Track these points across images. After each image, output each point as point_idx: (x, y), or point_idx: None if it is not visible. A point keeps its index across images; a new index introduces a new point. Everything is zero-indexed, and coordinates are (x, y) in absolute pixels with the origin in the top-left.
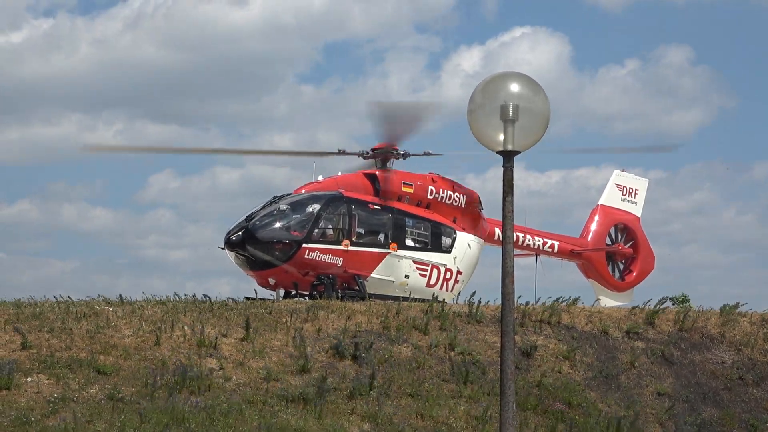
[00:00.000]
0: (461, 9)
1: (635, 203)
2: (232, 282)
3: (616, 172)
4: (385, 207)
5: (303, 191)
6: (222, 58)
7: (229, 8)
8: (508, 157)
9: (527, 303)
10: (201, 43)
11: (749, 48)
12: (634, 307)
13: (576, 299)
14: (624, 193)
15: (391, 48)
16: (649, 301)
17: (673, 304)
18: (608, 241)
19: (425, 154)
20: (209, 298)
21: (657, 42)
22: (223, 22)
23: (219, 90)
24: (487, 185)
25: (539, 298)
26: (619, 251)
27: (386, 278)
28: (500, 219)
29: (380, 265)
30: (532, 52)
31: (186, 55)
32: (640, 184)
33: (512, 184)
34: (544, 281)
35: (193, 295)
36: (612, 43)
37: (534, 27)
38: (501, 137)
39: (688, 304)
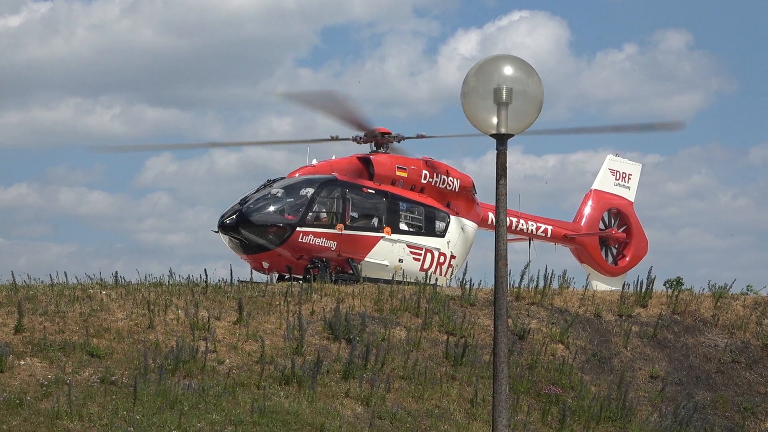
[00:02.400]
0: None
1: (629, 188)
2: (228, 266)
3: (609, 156)
4: (379, 191)
5: (297, 175)
6: (220, 42)
7: None
8: (501, 140)
9: (523, 271)
10: (199, 28)
11: (749, 33)
12: (624, 285)
13: (564, 272)
14: (617, 177)
15: (389, 32)
16: (641, 282)
17: (669, 288)
18: (601, 226)
19: (419, 137)
20: (206, 273)
21: (655, 27)
22: (221, 6)
23: (218, 74)
24: (484, 169)
25: (532, 275)
26: (613, 236)
27: (380, 262)
28: (494, 203)
29: (374, 249)
30: (530, 36)
31: (184, 40)
32: (633, 168)
33: (505, 167)
34: (537, 266)
35: (188, 276)
36: (610, 28)
37: (532, 11)
38: (494, 120)
39: (682, 286)
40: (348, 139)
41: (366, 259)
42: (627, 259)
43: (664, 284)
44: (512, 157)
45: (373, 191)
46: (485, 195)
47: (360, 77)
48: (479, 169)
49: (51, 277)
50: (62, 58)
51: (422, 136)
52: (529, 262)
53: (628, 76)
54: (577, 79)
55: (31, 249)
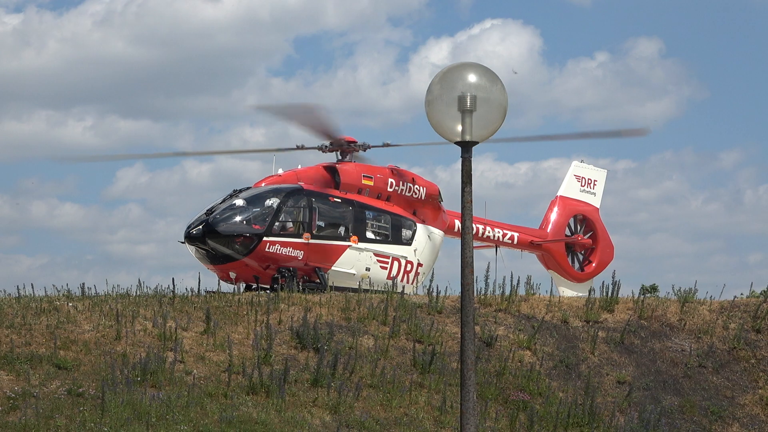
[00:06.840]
0: (436, 2)
1: (594, 194)
2: (198, 276)
3: (575, 163)
4: (346, 200)
5: (263, 185)
6: (192, 53)
7: (201, 4)
8: (466, 147)
9: (486, 275)
10: (171, 39)
11: (719, 41)
12: (590, 291)
13: (529, 278)
14: (583, 183)
15: (362, 41)
16: (607, 287)
17: (643, 294)
18: (568, 232)
19: (385, 145)
20: (174, 283)
21: (626, 35)
22: (193, 17)
23: (190, 85)
24: (455, 177)
25: (499, 284)
26: (579, 242)
27: (347, 271)
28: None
29: (341, 257)
30: (502, 44)
31: (156, 51)
32: (598, 174)
33: (470, 175)
34: (504, 272)
35: (156, 287)
36: (582, 36)
37: (504, 19)
38: (459, 128)
39: (656, 293)
40: (314, 148)
41: (333, 267)
42: (593, 265)
43: (640, 291)
44: (484, 165)
45: (340, 200)
46: (455, 202)
47: (331, 87)
48: (450, 177)
49: (18, 290)
50: (34, 71)
51: (388, 145)
52: (489, 265)
53: (600, 83)
54: (549, 87)
55: (1, 261)
